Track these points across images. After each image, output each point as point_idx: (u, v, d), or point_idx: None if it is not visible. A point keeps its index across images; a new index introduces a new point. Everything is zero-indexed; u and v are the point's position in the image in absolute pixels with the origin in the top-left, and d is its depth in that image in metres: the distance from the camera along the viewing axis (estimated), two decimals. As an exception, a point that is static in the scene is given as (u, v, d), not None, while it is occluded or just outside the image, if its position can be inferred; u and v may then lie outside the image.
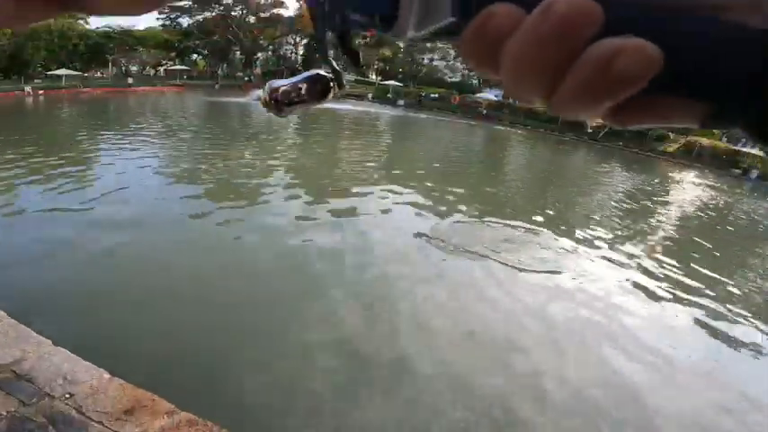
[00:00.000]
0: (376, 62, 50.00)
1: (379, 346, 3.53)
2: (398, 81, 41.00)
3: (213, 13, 42.83)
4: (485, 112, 31.84)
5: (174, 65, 41.97)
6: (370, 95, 36.72)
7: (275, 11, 43.83)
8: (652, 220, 9.69)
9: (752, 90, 0.15)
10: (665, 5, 0.16)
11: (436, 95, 36.38)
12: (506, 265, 5.33)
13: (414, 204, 7.70)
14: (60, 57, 31.77)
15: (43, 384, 2.16)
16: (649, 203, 11.62)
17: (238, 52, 45.53)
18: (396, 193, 8.31)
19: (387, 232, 6.10)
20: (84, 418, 1.99)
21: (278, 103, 0.23)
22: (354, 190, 8.30)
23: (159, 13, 43.43)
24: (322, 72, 0.23)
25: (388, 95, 37.13)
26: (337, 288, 4.38)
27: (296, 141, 14.82)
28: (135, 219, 5.74)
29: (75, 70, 31.40)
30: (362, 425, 2.76)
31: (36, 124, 14.42)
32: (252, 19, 43.67)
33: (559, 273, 5.44)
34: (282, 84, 0.23)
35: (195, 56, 46.59)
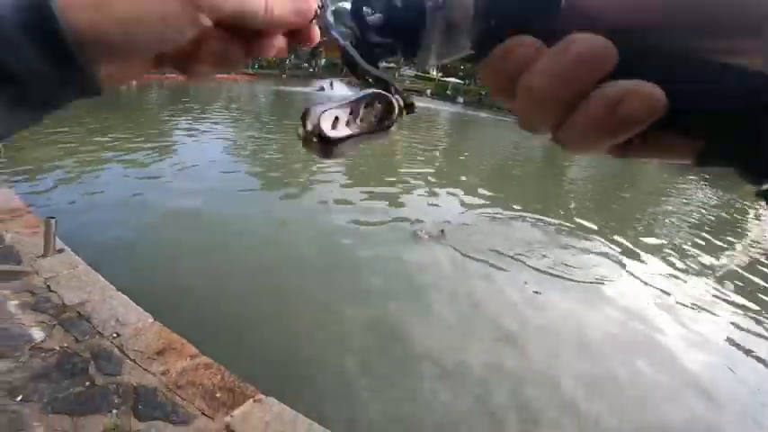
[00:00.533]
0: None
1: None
2: (459, 78, 40.07)
3: None
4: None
5: None
6: (429, 91, 36.23)
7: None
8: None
9: (744, 132, 0.15)
10: (674, 49, 0.16)
11: (498, 94, 36.30)
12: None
13: (462, 203, 7.32)
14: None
15: (97, 324, 2.28)
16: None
17: None
18: (443, 187, 8.01)
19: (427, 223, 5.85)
20: (122, 356, 2.07)
21: (323, 139, 0.17)
22: (402, 182, 8.14)
23: None
24: (382, 91, 0.19)
25: (448, 92, 36.39)
26: (367, 267, 4.39)
27: None
28: (202, 190, 6.08)
29: None
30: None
31: (126, 105, 15.76)
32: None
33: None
34: (328, 109, 0.17)
35: None
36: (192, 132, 10.74)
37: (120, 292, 2.60)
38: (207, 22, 0.20)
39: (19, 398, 1.71)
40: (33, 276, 2.70)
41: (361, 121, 0.18)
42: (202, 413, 1.71)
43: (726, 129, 0.16)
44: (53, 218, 3.18)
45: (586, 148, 0.18)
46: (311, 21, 0.23)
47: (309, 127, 0.17)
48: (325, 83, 28.64)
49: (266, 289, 3.69)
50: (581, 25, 0.16)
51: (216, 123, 12.25)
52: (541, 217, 6.86)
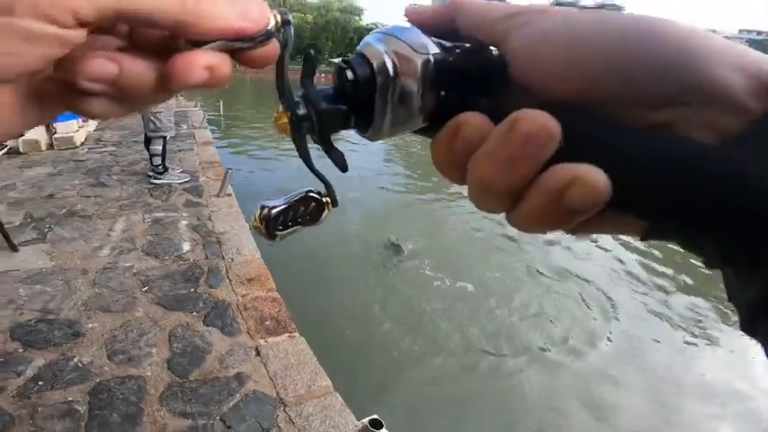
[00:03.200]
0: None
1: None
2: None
3: None
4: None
5: None
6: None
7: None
8: None
9: (688, 211, 0.15)
10: (616, 122, 0.16)
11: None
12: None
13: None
14: (340, 48, 39.60)
15: (224, 249, 2.78)
16: None
17: None
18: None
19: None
20: (225, 276, 2.45)
21: (269, 229, 0.19)
22: None
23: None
24: (313, 191, 0.20)
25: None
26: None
27: None
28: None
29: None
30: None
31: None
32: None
33: None
34: (274, 205, 0.19)
35: None
36: None
37: (247, 228, 3.16)
38: (82, 21, 0.13)
39: (145, 288, 2.29)
40: (204, 208, 3.50)
41: (299, 217, 0.20)
42: (247, 332, 1.96)
43: (669, 208, 0.15)
44: (230, 169, 4.06)
45: (538, 231, 0.17)
46: (261, 35, 0.16)
47: (258, 219, 0.19)
48: None
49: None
50: (525, 98, 0.16)
51: None
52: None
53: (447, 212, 5.71)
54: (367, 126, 0.19)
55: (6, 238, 2.43)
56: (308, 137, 0.19)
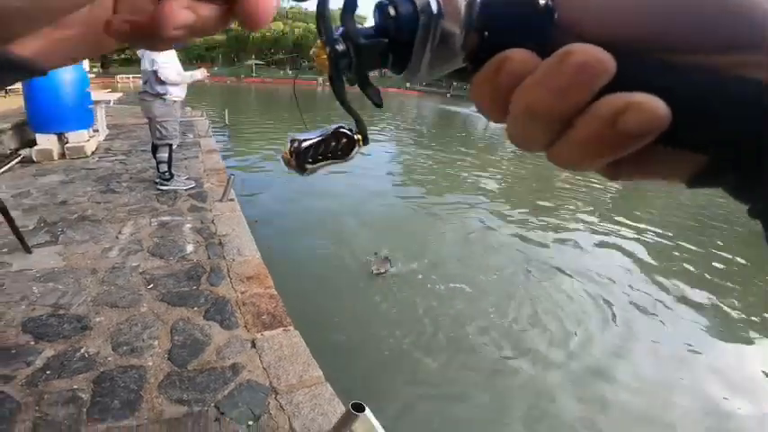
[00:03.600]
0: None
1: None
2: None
3: None
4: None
5: None
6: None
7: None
8: None
9: (751, 151, 0.14)
10: (677, 63, 0.15)
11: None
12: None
13: (630, 256, 5.19)
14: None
15: (226, 250, 2.88)
16: None
17: None
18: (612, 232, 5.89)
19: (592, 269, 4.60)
20: (226, 274, 2.55)
21: (300, 161, 0.20)
22: (562, 215, 6.66)
23: None
24: (344, 126, 0.21)
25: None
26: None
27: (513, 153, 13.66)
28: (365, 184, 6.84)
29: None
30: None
31: (319, 106, 18.62)
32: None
33: None
34: (305, 138, 0.20)
35: None
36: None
37: (249, 232, 3.26)
38: None
39: (150, 286, 2.39)
40: (208, 212, 3.61)
41: (330, 152, 0.20)
42: (244, 326, 2.05)
43: (732, 147, 0.14)
44: (232, 175, 4.19)
45: (582, 166, 0.16)
46: None
47: (289, 151, 0.19)
48: None
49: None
50: (575, 39, 0.15)
51: (387, 134, 13.45)
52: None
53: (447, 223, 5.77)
54: (404, 65, 0.18)
55: (21, 240, 2.56)
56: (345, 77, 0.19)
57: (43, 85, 4.50)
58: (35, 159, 4.71)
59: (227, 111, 10.82)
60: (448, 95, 35.37)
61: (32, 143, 4.87)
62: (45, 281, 2.33)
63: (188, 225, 3.32)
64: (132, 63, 40.93)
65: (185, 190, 4.08)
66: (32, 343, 1.88)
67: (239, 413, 1.60)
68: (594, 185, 8.22)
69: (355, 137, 0.21)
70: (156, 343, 1.92)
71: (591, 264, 4.62)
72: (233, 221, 3.46)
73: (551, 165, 0.18)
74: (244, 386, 1.72)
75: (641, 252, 5.15)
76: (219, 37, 44.19)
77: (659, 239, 5.69)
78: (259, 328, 2.05)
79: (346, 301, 3.38)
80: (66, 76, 4.61)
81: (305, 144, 0.20)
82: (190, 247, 2.94)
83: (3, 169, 4.34)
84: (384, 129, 15.09)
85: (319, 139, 0.20)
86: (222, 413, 1.60)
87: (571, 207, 7.01)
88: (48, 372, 1.73)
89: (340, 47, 0.18)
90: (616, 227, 5.97)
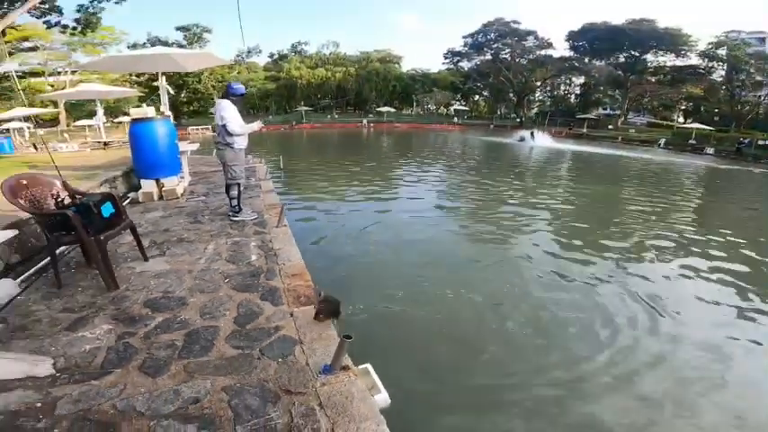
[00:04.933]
0: (681, 101, 39.35)
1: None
2: (714, 123, 30.73)
3: (486, 57, 42.04)
4: None
5: (460, 105, 44.73)
6: (662, 141, 29.50)
7: (542, 52, 40.54)
8: None
9: None
10: None
11: (771, 142, 23.02)
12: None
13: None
14: (385, 96, 40.74)
15: (281, 258, 3.71)
16: None
17: (511, 93, 43.73)
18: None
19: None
20: (278, 274, 3.36)
21: None
22: (616, 248, 6.77)
23: (444, 57, 46.41)
24: None
25: (691, 141, 28.41)
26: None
27: (559, 183, 13.50)
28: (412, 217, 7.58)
29: (393, 107, 38.92)
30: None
31: (365, 146, 20.09)
32: (523, 61, 41.27)
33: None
34: None
35: (477, 97, 48.61)
36: (409, 172, 12.88)
37: (296, 247, 4.11)
38: None
39: (226, 280, 3.27)
40: (267, 235, 4.53)
41: None
42: (287, 304, 2.81)
43: None
44: (284, 204, 5.16)
45: None
46: None
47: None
48: (526, 133, 27.78)
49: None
50: None
51: (428, 166, 14.25)
52: None
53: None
54: None
55: (142, 252, 3.63)
56: None
57: (146, 139, 5.67)
58: (140, 200, 6.08)
59: (281, 157, 12.47)
60: (491, 126, 35.38)
61: (137, 188, 6.27)
62: (158, 277, 3.31)
63: (253, 243, 4.25)
64: (199, 114, 46.19)
65: (250, 220, 5.10)
66: (150, 313, 2.77)
67: (273, 354, 2.30)
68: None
69: None
70: (227, 313, 2.73)
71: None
72: (285, 240, 4.34)
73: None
74: (280, 339, 2.43)
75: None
76: (270, 86, 48.07)
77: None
78: (297, 305, 2.79)
79: (367, 289, 4.03)
80: (161, 129, 5.76)
81: None
82: (254, 257, 3.82)
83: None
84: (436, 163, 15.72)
85: None
86: (263, 353, 2.30)
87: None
88: (158, 330, 2.57)
89: None
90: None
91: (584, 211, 9.44)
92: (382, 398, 2.14)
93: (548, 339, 3.94)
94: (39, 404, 1.89)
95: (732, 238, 7.53)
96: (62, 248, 3.75)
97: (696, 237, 7.68)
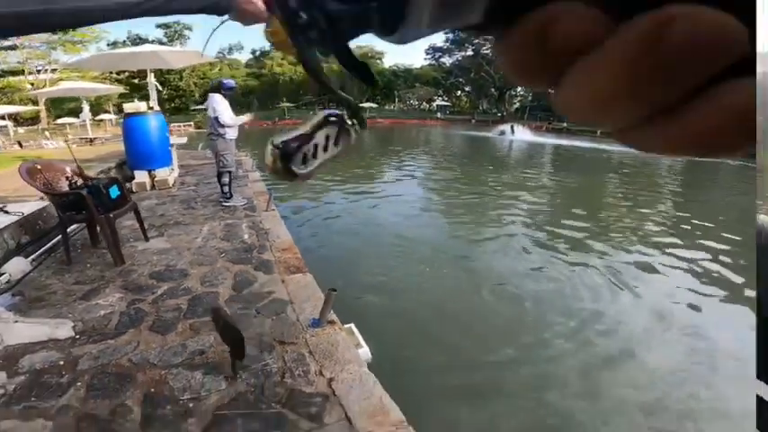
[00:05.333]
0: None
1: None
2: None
3: (467, 53, 41.35)
4: None
5: (442, 100, 44.31)
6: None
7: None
8: None
9: None
10: None
11: None
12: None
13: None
14: (368, 91, 40.47)
15: (270, 236, 4.01)
16: None
17: (492, 89, 43.54)
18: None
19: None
20: (269, 249, 3.69)
21: (286, 164, 0.16)
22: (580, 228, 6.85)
23: (425, 53, 46.35)
24: (333, 114, 0.17)
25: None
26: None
27: (530, 174, 13.06)
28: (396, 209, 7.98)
29: (375, 103, 38.41)
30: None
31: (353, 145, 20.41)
32: (503, 55, 41.48)
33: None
34: (289, 138, 0.16)
35: (459, 92, 48.47)
36: (390, 166, 13.16)
37: (285, 227, 4.44)
38: None
39: (222, 255, 3.60)
40: (257, 217, 4.84)
41: (323, 150, 0.16)
42: (278, 272, 3.17)
43: None
44: (271, 191, 5.48)
45: (680, 154, 0.11)
46: None
47: (272, 156, 0.16)
48: (506, 127, 28.27)
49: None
50: None
51: (409, 159, 14.53)
52: None
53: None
54: (396, 21, 0.12)
55: (144, 233, 3.93)
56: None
57: (139, 132, 5.95)
58: (134, 190, 6.30)
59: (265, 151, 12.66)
60: (472, 121, 35.37)
61: (129, 179, 6.47)
62: (160, 254, 3.61)
63: (244, 224, 4.57)
64: (180, 111, 45.21)
65: (241, 205, 5.40)
66: (156, 283, 3.09)
67: (268, 312, 2.66)
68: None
69: (348, 122, 0.17)
70: (225, 281, 3.07)
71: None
72: (274, 221, 4.67)
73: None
74: (274, 301, 2.79)
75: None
76: (252, 83, 47.44)
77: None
78: (288, 274, 3.14)
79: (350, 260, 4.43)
80: (153, 123, 6.04)
81: (292, 144, 0.15)
82: (246, 236, 4.15)
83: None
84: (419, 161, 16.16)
85: (306, 133, 0.16)
86: (258, 312, 2.66)
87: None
88: (164, 296, 2.89)
89: (302, 17, 0.13)
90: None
91: (556, 199, 9.95)
92: (364, 352, 2.49)
93: (515, 308, 4.37)
94: (62, 362, 2.16)
95: (697, 222, 8.13)
96: (69, 229, 4.01)
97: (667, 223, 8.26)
